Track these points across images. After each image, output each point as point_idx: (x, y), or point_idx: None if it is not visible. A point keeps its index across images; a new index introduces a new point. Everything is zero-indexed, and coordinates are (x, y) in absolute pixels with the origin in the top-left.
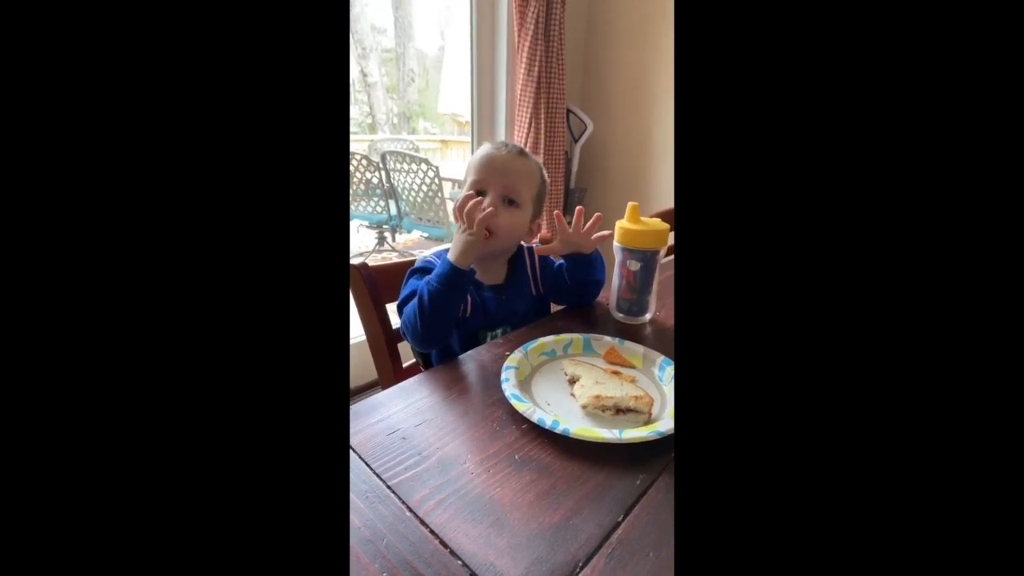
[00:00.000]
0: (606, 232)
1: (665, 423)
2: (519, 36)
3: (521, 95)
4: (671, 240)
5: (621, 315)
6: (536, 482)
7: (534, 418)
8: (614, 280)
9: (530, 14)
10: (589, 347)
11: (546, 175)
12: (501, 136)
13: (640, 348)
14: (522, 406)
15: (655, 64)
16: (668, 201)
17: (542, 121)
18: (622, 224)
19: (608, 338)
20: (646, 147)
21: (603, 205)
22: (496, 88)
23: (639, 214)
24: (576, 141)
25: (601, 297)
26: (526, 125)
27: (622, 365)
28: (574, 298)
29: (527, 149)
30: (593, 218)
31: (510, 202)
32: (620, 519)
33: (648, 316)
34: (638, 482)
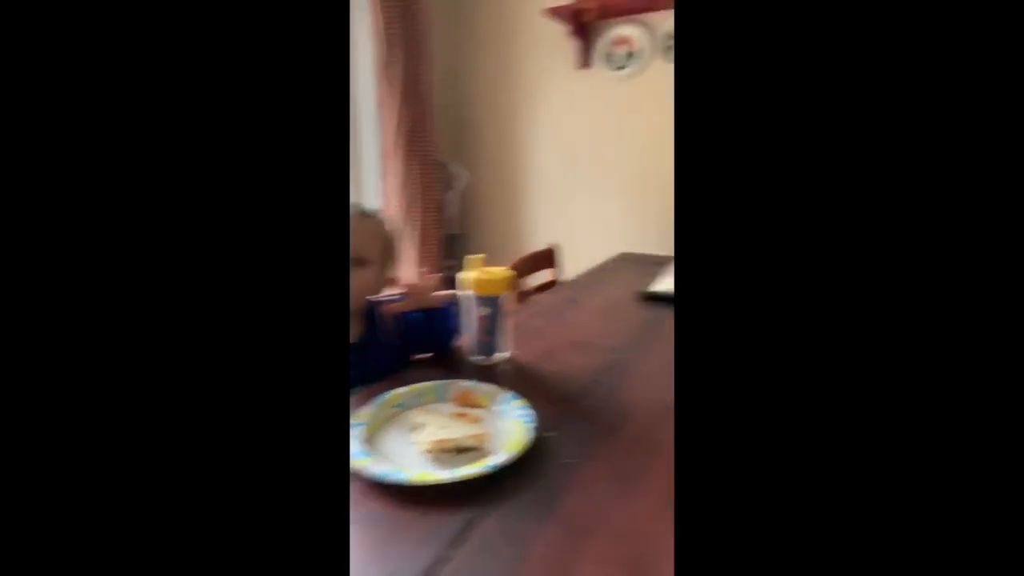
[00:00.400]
0: (448, 292)
1: (498, 456)
2: (388, 96)
3: (394, 150)
4: (530, 283)
5: (480, 356)
6: (369, 535)
7: (370, 471)
8: (469, 325)
9: (395, 77)
10: (442, 393)
11: (392, 230)
12: (372, 186)
13: (490, 387)
14: (361, 461)
15: (522, 118)
16: (541, 241)
17: (416, 173)
18: (467, 275)
19: (463, 382)
20: (518, 193)
21: (481, 248)
22: (360, 143)
23: (483, 264)
24: (451, 190)
25: (463, 342)
26: (400, 177)
27: (472, 406)
28: (433, 347)
29: (401, 200)
30: (431, 278)
31: (359, 262)
32: (451, 553)
33: (505, 355)
34: (471, 516)
